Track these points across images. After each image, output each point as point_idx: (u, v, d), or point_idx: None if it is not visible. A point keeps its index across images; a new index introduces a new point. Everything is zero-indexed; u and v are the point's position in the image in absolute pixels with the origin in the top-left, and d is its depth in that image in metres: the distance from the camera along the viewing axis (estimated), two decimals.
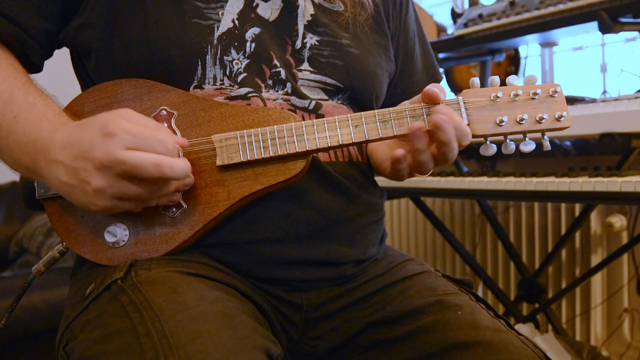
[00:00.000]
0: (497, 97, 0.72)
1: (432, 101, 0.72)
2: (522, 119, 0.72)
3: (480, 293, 1.22)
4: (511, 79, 0.73)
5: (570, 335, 1.91)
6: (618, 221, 1.76)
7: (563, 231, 1.88)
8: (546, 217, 1.97)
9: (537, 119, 0.72)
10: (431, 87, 0.72)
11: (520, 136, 0.74)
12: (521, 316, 1.89)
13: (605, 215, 1.83)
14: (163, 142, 0.65)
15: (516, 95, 0.72)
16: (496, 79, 0.73)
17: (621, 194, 1.16)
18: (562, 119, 0.72)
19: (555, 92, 0.73)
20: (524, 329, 1.81)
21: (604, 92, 2.00)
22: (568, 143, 1.61)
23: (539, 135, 0.74)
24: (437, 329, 0.74)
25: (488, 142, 0.74)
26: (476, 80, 0.73)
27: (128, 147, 0.63)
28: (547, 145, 0.74)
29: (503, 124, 0.72)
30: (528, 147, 0.73)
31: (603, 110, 1.32)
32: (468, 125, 0.72)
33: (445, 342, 0.73)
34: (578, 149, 1.67)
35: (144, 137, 0.64)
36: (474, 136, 0.72)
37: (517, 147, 0.74)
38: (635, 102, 1.29)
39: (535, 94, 0.72)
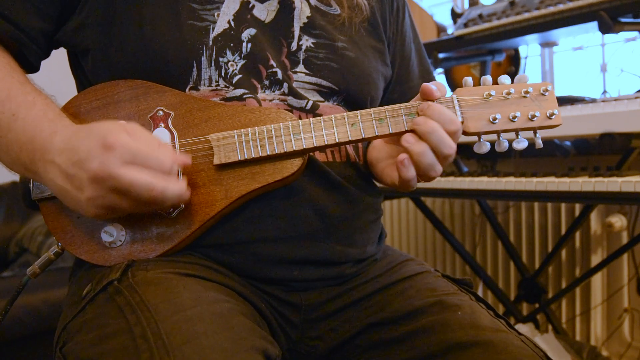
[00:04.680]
0: (490, 95, 0.73)
1: (428, 98, 0.72)
2: (514, 117, 0.73)
3: (480, 293, 1.22)
4: (503, 78, 0.74)
5: (570, 335, 1.91)
6: (618, 221, 1.75)
7: (563, 231, 1.87)
8: (546, 217, 1.96)
9: (529, 116, 0.73)
10: (428, 84, 0.72)
11: (513, 134, 0.75)
12: (521, 316, 1.88)
13: (605, 215, 1.83)
14: (161, 162, 0.64)
15: (508, 93, 0.73)
16: (488, 78, 0.75)
17: (621, 194, 1.16)
18: (554, 116, 0.73)
19: (547, 90, 0.73)
20: (524, 329, 1.81)
21: (604, 92, 2.00)
22: (568, 143, 1.60)
23: (531, 133, 0.75)
24: (437, 329, 0.74)
25: (482, 140, 0.74)
26: (469, 79, 0.74)
27: (125, 162, 0.62)
28: (539, 143, 0.74)
29: (496, 121, 0.73)
30: (520, 144, 0.74)
31: (603, 110, 1.32)
32: (462, 123, 0.73)
33: (445, 343, 0.72)
34: (578, 149, 1.66)
35: (142, 154, 0.63)
36: (468, 134, 0.73)
37: (510, 145, 0.74)
38: (635, 102, 1.28)
39: (527, 92, 0.73)
